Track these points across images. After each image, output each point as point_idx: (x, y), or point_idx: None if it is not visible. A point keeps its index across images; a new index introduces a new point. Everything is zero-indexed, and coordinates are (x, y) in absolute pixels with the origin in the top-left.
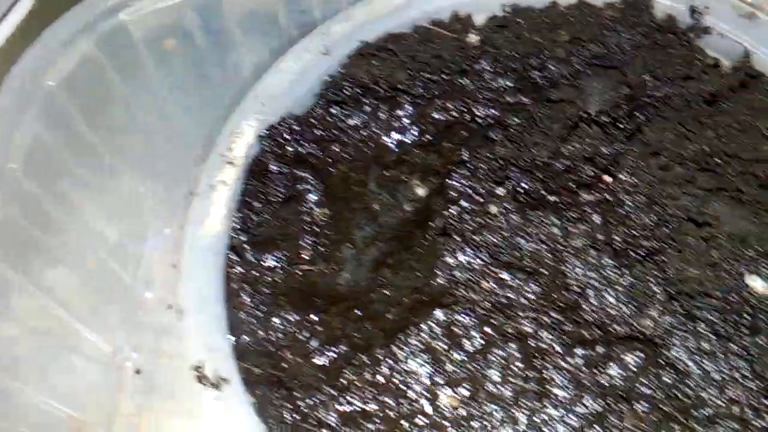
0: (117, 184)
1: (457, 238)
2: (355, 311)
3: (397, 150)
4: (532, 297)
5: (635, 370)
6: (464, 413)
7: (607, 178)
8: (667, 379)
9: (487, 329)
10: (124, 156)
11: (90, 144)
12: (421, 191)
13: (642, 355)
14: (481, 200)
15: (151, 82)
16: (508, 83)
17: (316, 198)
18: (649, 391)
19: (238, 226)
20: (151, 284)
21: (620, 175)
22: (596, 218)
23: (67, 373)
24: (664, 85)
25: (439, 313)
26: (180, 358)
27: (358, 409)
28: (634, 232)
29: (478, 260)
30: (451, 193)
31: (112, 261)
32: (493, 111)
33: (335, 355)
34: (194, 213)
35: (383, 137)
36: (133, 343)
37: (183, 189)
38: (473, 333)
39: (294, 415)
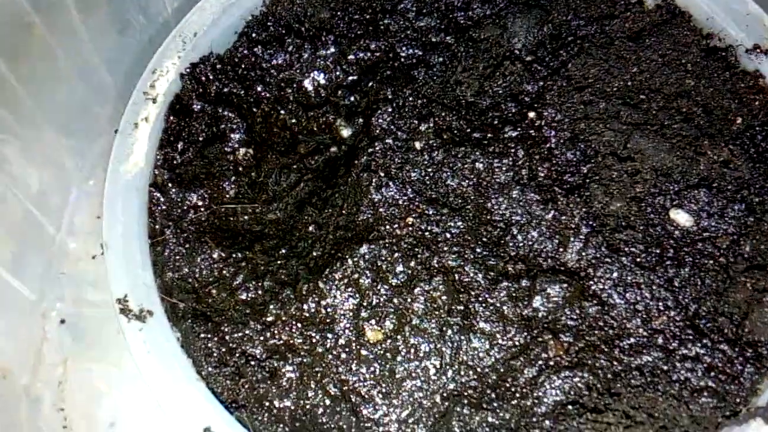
0: (39, 134)
1: (382, 174)
2: (281, 249)
3: (321, 90)
4: (457, 232)
5: (559, 302)
6: (389, 347)
7: (532, 114)
8: (591, 311)
9: (412, 264)
10: (46, 106)
11: (12, 88)
12: (345, 131)
13: (566, 287)
14: (405, 137)
15: (74, 29)
16: (431, 23)
17: (239, 137)
18: (573, 323)
19: (161, 164)
20: (76, 236)
21: (544, 112)
22: (520, 154)
23: None
24: (587, 23)
25: (364, 249)
26: (105, 308)
27: (285, 343)
28: (558, 168)
29: (402, 196)
30: (375, 130)
31: (35, 209)
32: (417, 51)
33: (261, 291)
34: (117, 150)
35: (307, 77)
36: (58, 294)
37: (105, 143)
38: (398, 268)
39: (221, 349)
